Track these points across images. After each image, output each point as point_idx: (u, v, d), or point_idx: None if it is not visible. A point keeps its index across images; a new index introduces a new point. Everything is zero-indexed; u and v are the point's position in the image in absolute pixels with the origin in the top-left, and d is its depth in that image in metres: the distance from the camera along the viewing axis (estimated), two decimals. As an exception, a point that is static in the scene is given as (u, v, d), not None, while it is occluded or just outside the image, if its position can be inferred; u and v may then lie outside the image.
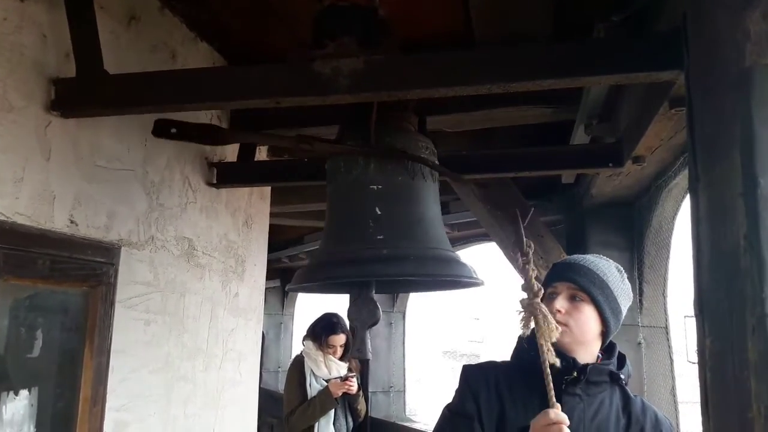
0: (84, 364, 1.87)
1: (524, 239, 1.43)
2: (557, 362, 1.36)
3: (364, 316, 1.54)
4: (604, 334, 1.58)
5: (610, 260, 1.64)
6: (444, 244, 1.65)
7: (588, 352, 1.56)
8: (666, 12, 1.58)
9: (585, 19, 1.88)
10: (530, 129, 2.94)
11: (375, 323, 1.55)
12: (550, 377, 1.36)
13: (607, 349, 1.61)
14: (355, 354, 1.64)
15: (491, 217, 3.28)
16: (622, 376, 1.56)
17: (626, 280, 1.62)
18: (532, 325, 1.39)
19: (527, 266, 1.41)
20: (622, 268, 1.64)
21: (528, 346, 1.60)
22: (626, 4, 1.65)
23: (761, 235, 0.95)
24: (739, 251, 1.00)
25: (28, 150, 1.68)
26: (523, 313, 1.40)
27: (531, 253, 1.42)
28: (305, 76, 1.59)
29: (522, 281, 1.42)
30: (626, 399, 1.55)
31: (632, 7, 1.64)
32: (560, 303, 1.55)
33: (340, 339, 3.56)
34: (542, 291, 1.40)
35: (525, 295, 1.41)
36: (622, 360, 1.60)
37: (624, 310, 1.60)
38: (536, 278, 1.42)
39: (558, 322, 1.54)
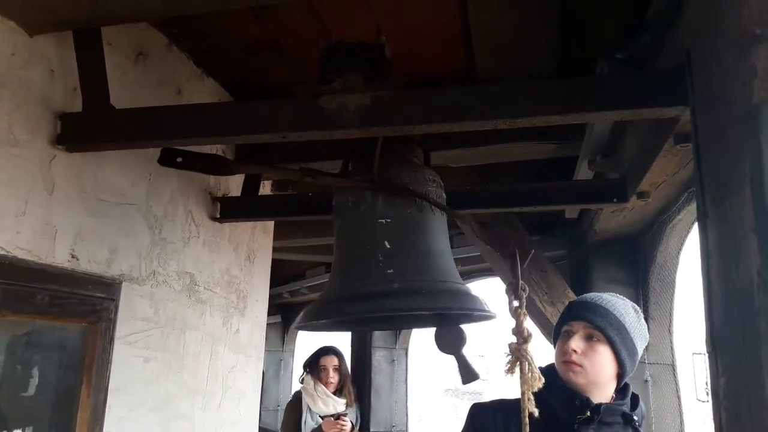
0: (81, 403, 1.83)
1: (520, 282, 1.40)
2: (536, 412, 1.33)
3: (453, 340, 1.51)
4: (620, 375, 1.56)
5: (627, 300, 1.63)
6: (454, 276, 1.63)
7: (602, 392, 1.53)
8: (669, 49, 1.59)
9: (587, 57, 1.90)
10: (534, 165, 2.95)
11: (465, 342, 1.52)
12: (527, 427, 1.33)
13: (621, 389, 1.58)
14: (467, 379, 1.57)
15: (492, 255, 3.26)
16: (636, 418, 1.53)
17: (642, 320, 1.61)
18: (517, 370, 1.36)
19: (519, 310, 1.38)
20: (638, 309, 1.62)
21: (541, 385, 1.57)
22: (629, 41, 1.67)
23: (775, 272, 0.93)
24: (753, 288, 0.98)
25: (31, 184, 1.68)
26: (510, 356, 1.37)
27: (525, 296, 1.40)
28: (311, 111, 1.60)
29: (513, 324, 1.39)
30: None
31: (635, 45, 1.65)
32: (576, 343, 1.53)
33: (331, 360, 3.62)
34: (531, 337, 1.37)
35: (514, 339, 1.38)
36: (635, 401, 1.57)
37: (640, 351, 1.58)
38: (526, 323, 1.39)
39: (573, 362, 1.52)
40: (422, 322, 1.92)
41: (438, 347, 1.52)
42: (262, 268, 3.13)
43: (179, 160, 1.82)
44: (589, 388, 1.51)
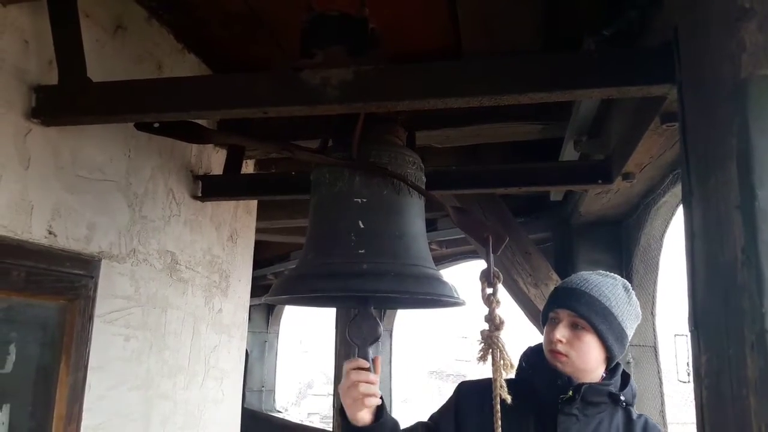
0: (59, 381, 1.80)
1: (492, 269, 1.38)
2: (508, 398, 1.32)
3: (365, 333, 1.48)
4: (609, 359, 1.53)
5: (617, 278, 1.58)
6: (426, 261, 1.60)
7: (591, 376, 1.51)
8: (656, 26, 1.57)
9: (574, 34, 1.88)
10: (519, 146, 2.94)
11: (377, 339, 1.49)
12: (499, 413, 1.32)
13: (611, 369, 1.56)
14: None
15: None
16: (623, 398, 1.51)
17: (633, 298, 1.56)
18: (490, 357, 1.35)
19: (492, 297, 1.36)
20: (629, 286, 1.58)
21: (526, 365, 1.56)
22: (616, 18, 1.65)
23: (759, 249, 0.92)
24: (737, 265, 0.97)
25: (5, 158, 1.63)
26: (482, 344, 1.36)
27: (498, 283, 1.37)
28: (293, 85, 1.56)
29: (486, 311, 1.37)
30: (629, 420, 1.50)
31: (622, 21, 1.63)
32: (561, 332, 1.50)
33: None
34: (504, 324, 1.35)
35: (486, 326, 1.36)
36: (625, 380, 1.55)
37: (630, 333, 1.54)
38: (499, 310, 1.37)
39: (559, 352, 1.49)
40: (393, 304, 1.89)
41: (347, 334, 1.49)
42: (245, 248, 3.10)
43: (156, 125, 1.79)
44: (578, 374, 1.49)
